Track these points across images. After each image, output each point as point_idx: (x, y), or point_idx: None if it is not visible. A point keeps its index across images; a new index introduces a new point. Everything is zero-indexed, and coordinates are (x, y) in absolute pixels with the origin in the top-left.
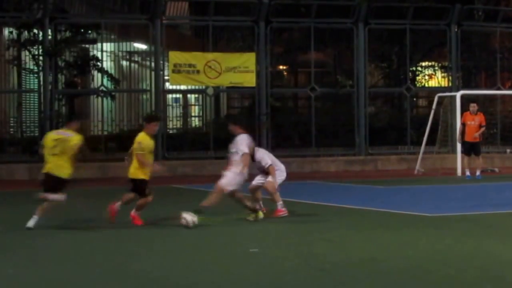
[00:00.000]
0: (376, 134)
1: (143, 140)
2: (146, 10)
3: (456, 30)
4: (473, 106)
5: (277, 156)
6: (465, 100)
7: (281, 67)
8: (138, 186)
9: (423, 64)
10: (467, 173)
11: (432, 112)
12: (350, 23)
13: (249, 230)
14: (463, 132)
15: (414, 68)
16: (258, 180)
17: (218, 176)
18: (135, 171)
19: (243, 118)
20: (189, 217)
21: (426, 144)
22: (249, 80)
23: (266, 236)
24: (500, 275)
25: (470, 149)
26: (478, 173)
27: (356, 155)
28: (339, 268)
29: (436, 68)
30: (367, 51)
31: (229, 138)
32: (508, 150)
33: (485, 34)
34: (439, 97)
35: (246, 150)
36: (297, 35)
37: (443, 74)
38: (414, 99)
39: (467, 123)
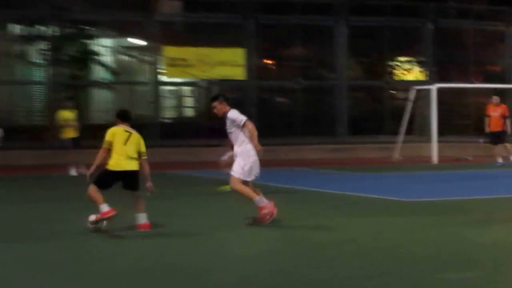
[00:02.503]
0: (357, 124)
1: None
2: (141, 8)
3: (431, 27)
4: (496, 99)
5: (264, 145)
6: (441, 93)
7: (267, 61)
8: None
9: (401, 59)
10: (499, 160)
11: (409, 103)
12: (332, 20)
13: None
14: (488, 123)
15: (392, 63)
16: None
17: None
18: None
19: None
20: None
21: (403, 133)
22: (239, 73)
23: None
24: (476, 257)
25: (496, 138)
26: (500, 160)
27: (338, 144)
28: (326, 247)
29: (413, 63)
30: (347, 47)
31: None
32: (481, 140)
33: (458, 31)
34: (416, 90)
35: (245, 117)
36: (283, 31)
37: (419, 69)
38: (393, 91)
39: (490, 114)
